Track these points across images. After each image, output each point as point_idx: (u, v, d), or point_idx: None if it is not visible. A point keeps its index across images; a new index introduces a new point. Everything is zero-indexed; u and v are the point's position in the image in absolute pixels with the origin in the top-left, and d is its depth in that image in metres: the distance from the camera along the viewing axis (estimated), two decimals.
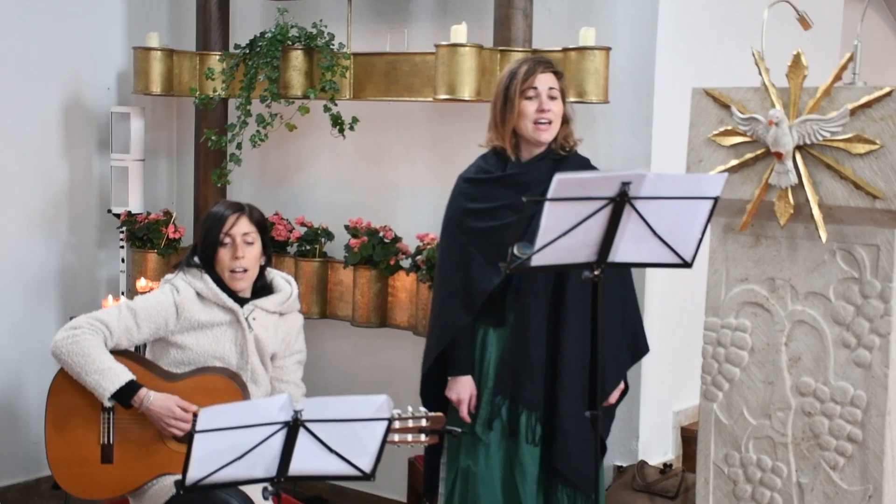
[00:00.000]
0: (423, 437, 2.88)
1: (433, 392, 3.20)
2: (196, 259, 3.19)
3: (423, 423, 2.87)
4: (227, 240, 3.14)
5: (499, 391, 3.08)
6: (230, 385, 3.07)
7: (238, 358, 3.15)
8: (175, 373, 3.12)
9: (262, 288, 3.25)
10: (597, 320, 3.00)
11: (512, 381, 3.07)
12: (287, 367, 3.29)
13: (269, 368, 3.23)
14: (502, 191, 3.06)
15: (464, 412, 3.10)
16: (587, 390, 3.07)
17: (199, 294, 3.14)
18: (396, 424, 2.77)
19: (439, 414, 2.92)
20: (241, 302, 3.18)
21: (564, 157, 3.11)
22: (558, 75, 3.09)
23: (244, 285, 3.18)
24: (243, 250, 3.14)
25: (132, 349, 3.19)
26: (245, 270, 3.15)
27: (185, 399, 3.05)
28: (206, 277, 3.15)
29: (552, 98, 3.04)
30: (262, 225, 3.22)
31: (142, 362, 3.12)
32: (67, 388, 3.04)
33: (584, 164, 3.17)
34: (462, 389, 3.11)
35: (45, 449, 3.06)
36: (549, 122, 3.04)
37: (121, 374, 2.99)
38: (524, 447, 3.08)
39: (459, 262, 3.09)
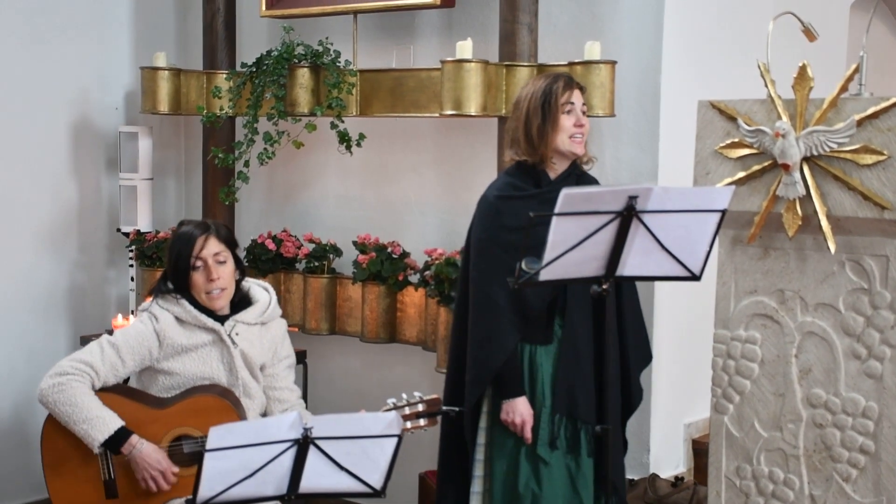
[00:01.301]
0: (422, 422, 2.86)
1: (471, 421, 3.13)
2: (169, 285, 3.14)
3: (420, 407, 2.86)
4: (199, 263, 3.09)
5: (557, 409, 3.06)
6: (222, 403, 3.05)
7: (228, 375, 3.13)
8: (165, 398, 3.10)
9: (241, 301, 3.20)
10: (622, 332, 3.09)
11: (568, 397, 3.06)
12: (278, 373, 3.26)
13: (259, 380, 3.20)
14: (538, 207, 2.99)
15: (528, 433, 3.04)
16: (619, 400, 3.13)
17: (178, 318, 3.11)
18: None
19: (435, 396, 2.90)
20: (222, 319, 3.14)
21: (582, 174, 3.15)
22: (584, 91, 3.14)
23: (222, 303, 3.14)
24: (217, 271, 3.09)
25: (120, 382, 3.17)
26: (222, 290, 3.12)
27: (179, 423, 3.04)
28: (183, 301, 3.11)
29: (584, 114, 3.09)
30: (231, 241, 3.18)
31: (130, 394, 3.10)
32: (59, 431, 3.02)
33: (596, 184, 3.20)
34: (524, 410, 3.04)
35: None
36: (583, 136, 3.07)
37: (109, 423, 2.97)
38: (585, 461, 3.06)
39: (503, 281, 2.94)
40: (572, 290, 3.03)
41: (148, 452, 2.99)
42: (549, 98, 3.04)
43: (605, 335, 3.03)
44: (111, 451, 2.99)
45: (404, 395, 2.86)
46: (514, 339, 3.04)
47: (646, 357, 3.25)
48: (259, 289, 3.27)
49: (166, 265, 3.20)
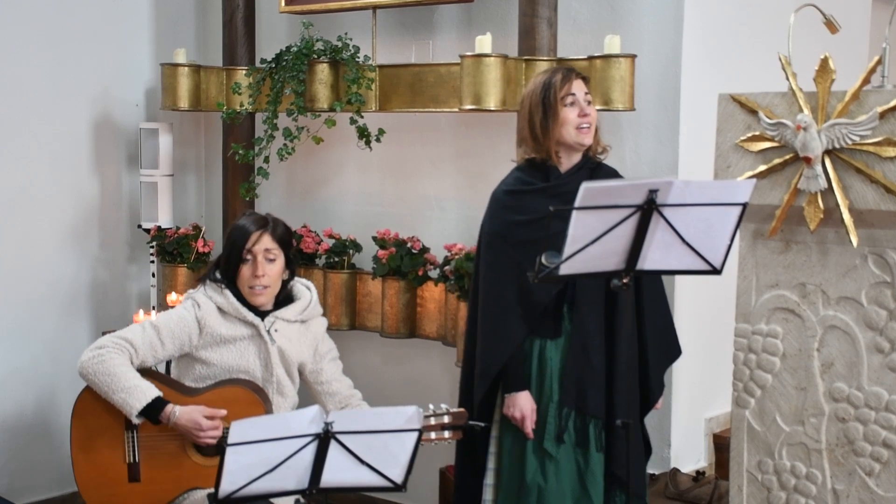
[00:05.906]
0: (446, 434, 2.87)
1: (481, 411, 3.12)
2: (218, 274, 3.20)
3: (446, 419, 2.86)
4: (249, 256, 3.14)
5: (565, 403, 3.04)
6: (251, 396, 3.08)
7: (263, 370, 3.16)
8: (196, 387, 3.14)
9: (284, 299, 3.25)
10: (642, 326, 3.07)
11: (576, 391, 3.04)
12: (324, 368, 3.29)
13: (295, 379, 3.24)
14: (548, 201, 3.00)
15: (528, 428, 3.03)
16: (636, 395, 3.10)
17: (220, 308, 3.16)
18: None
19: (461, 409, 2.90)
20: (262, 315, 3.18)
21: (598, 165, 3.13)
22: (587, 81, 3.11)
23: (263, 300, 3.18)
24: (263, 268, 3.14)
25: (158, 366, 3.21)
26: (265, 287, 3.16)
27: None
28: (227, 292, 3.16)
29: (588, 103, 3.07)
30: (286, 241, 3.21)
31: (163, 379, 3.15)
32: (90, 409, 3.08)
33: (615, 174, 3.18)
34: (525, 405, 3.03)
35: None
36: (590, 126, 3.06)
37: (147, 391, 3.02)
38: (594, 456, 3.05)
39: (511, 276, 3.02)
40: (582, 283, 3.02)
41: (186, 415, 3.01)
42: (549, 92, 3.03)
43: (618, 329, 3.04)
44: (150, 420, 3.03)
45: (431, 406, 2.87)
46: (520, 334, 3.03)
47: (671, 353, 3.21)
48: (301, 287, 3.31)
49: (221, 253, 3.25)
